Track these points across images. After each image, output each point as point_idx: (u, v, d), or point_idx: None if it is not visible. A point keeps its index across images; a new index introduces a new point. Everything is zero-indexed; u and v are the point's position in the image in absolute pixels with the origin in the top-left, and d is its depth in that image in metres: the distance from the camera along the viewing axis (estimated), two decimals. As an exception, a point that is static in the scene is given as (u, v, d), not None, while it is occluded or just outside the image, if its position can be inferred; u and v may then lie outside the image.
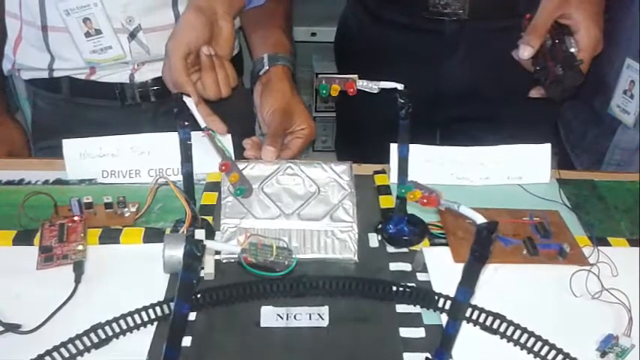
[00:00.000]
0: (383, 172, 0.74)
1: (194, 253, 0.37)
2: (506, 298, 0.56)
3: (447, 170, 0.74)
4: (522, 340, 0.52)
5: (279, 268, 0.41)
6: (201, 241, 0.38)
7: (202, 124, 0.54)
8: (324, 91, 0.58)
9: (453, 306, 0.43)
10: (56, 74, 0.79)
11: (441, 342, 0.44)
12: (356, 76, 0.58)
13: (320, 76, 0.59)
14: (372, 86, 0.57)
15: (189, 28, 0.66)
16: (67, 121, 0.81)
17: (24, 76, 0.81)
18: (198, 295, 0.55)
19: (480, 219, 0.39)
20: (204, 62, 0.67)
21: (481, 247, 0.39)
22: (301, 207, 0.62)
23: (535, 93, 0.75)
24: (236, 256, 0.58)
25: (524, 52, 0.70)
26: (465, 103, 0.88)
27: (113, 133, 0.71)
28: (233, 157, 0.59)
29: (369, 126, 0.94)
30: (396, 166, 0.72)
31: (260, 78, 0.73)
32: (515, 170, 0.74)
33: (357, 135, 1.00)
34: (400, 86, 0.57)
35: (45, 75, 0.79)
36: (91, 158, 0.71)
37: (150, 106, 0.82)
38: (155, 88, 0.81)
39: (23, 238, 0.61)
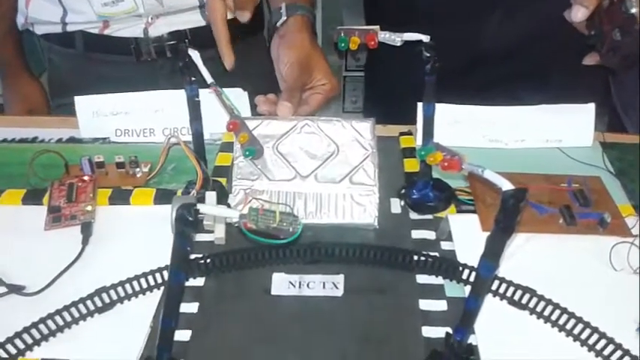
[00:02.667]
0: (409, 133, 0.69)
1: (186, 218, 0.34)
2: (538, 270, 0.52)
3: (479, 132, 0.68)
4: (554, 317, 0.47)
5: (283, 235, 0.38)
6: (194, 204, 0.35)
7: (209, 80, 0.50)
8: (343, 44, 0.54)
9: (475, 280, 0.39)
10: (69, 28, 0.76)
11: (461, 318, 0.40)
12: (377, 27, 0.53)
13: (339, 28, 0.54)
14: (395, 38, 0.52)
15: None
16: (82, 78, 0.78)
17: (38, 30, 0.79)
18: (207, 260, 0.53)
19: (507, 185, 0.34)
20: None
21: (507, 217, 0.35)
22: (318, 168, 0.58)
23: (590, 60, 0.68)
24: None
25: (578, 14, 0.62)
26: (508, 61, 0.81)
27: (129, 90, 0.69)
28: (243, 115, 0.55)
29: (400, 87, 0.89)
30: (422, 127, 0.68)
31: (278, 30, 0.68)
32: (555, 132, 0.68)
33: (387, 96, 0.94)
34: (425, 38, 0.51)
35: (58, 29, 0.77)
36: (104, 116, 0.68)
37: (166, 62, 0.79)
38: (171, 42, 0.77)
39: (32, 197, 0.60)
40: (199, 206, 0.35)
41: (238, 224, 0.37)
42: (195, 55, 0.50)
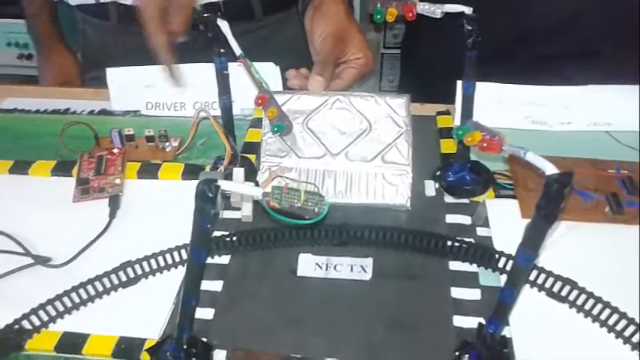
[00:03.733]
0: (447, 112, 0.66)
1: (206, 194, 0.33)
2: (580, 261, 0.49)
3: (522, 112, 0.65)
4: (595, 312, 0.44)
5: (308, 215, 0.36)
6: (215, 180, 0.33)
7: (237, 52, 0.48)
8: (379, 16, 0.51)
9: (512, 270, 0.36)
10: (103, -1, 0.75)
11: (495, 309, 0.38)
12: (417, -2, 0.50)
13: (374, -2, 0.51)
14: (435, 10, 0.49)
15: None
16: (116, 50, 0.77)
17: (72, 1, 0.78)
18: (233, 238, 0.51)
19: (551, 169, 0.32)
20: None
21: (549, 203, 0.32)
22: (349, 145, 0.56)
23: None
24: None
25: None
26: (555, 37, 0.77)
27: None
28: (273, 90, 0.53)
29: (437, 64, 0.85)
30: (454, 106, 0.65)
31: (312, 1, 0.65)
32: (604, 115, 0.64)
33: (424, 74, 0.91)
34: (468, 10, 0.48)
35: (92, 0, 0.76)
36: (136, 89, 0.67)
37: (200, 35, 0.77)
38: (205, 15, 0.75)
39: (62, 169, 0.59)
40: (220, 182, 0.33)
41: (261, 202, 0.35)
42: (224, 25, 0.48)
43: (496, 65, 0.77)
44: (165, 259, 0.50)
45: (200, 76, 0.67)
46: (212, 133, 0.63)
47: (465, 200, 0.55)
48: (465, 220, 0.53)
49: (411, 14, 0.50)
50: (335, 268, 0.49)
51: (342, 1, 0.63)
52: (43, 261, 0.50)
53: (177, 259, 0.50)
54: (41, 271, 0.49)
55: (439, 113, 0.66)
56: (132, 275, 0.48)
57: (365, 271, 0.49)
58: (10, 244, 0.51)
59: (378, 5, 0.51)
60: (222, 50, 0.50)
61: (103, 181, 0.57)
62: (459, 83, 0.64)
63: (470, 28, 0.48)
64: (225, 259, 0.51)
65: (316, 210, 0.36)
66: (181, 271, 0.50)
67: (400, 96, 0.57)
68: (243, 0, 0.75)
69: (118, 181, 0.57)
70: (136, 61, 0.68)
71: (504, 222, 0.53)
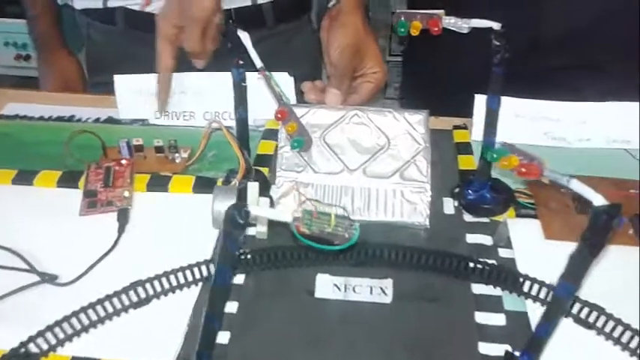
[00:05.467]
0: (464, 127, 0.65)
1: (236, 220, 0.31)
2: (606, 286, 0.47)
3: (541, 128, 0.63)
4: (624, 340, 0.43)
5: (337, 240, 0.34)
6: (245, 206, 0.31)
7: (258, 64, 0.47)
8: (403, 29, 0.49)
9: (552, 302, 0.35)
10: (110, 4, 0.73)
11: (530, 342, 0.36)
12: (442, 11, 0.48)
13: (398, 11, 0.50)
14: (462, 25, 0.47)
15: None
16: (122, 56, 0.75)
17: (77, 5, 0.76)
18: (248, 256, 0.50)
19: (599, 200, 0.30)
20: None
21: (596, 234, 0.30)
22: (367, 162, 0.54)
23: None
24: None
25: None
26: (567, 49, 0.76)
27: (171, 71, 0.65)
28: (291, 103, 0.52)
29: (442, 75, 0.84)
30: (480, 121, 0.63)
31: (329, 11, 0.64)
32: (623, 132, 0.63)
33: (427, 85, 0.89)
34: (497, 25, 0.47)
35: (99, 5, 0.74)
36: (144, 97, 0.65)
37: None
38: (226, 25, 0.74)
39: (68, 179, 0.57)
40: (250, 208, 0.31)
41: (290, 226, 0.33)
42: (244, 36, 0.46)
43: (508, 76, 0.76)
44: (177, 278, 0.48)
45: (210, 85, 0.65)
46: (223, 144, 0.62)
47: (485, 219, 0.54)
48: (486, 240, 0.52)
49: (436, 29, 0.48)
50: (354, 289, 0.48)
51: (359, 11, 0.61)
52: (50, 279, 0.47)
53: (189, 277, 0.48)
54: (48, 289, 0.47)
55: (455, 127, 0.65)
56: (143, 295, 0.46)
57: (385, 294, 0.47)
58: (14, 260, 0.49)
59: (402, 18, 0.49)
60: (241, 62, 0.48)
61: (111, 194, 0.55)
62: (479, 98, 0.63)
63: (498, 43, 0.47)
64: (239, 279, 0.49)
65: (346, 235, 0.35)
66: (195, 290, 0.48)
67: (419, 112, 0.56)
68: (254, 8, 0.73)
69: (126, 193, 0.55)
70: (143, 67, 0.66)
71: (527, 243, 0.51)
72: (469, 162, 0.59)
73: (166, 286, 0.47)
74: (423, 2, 0.85)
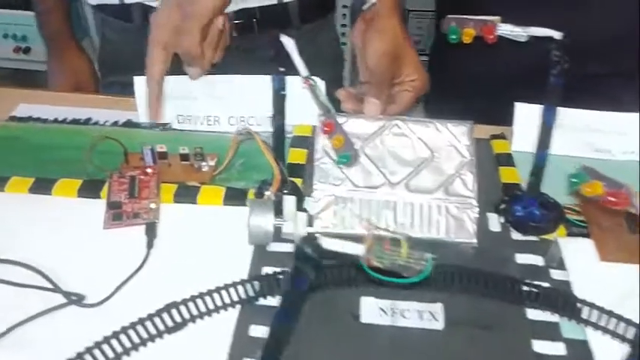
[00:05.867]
0: (502, 136, 0.62)
1: (308, 255, 0.28)
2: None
3: (583, 139, 0.61)
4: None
5: (408, 273, 0.31)
6: (315, 238, 0.28)
7: (304, 73, 0.43)
8: (454, 36, 0.46)
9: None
10: (127, 0, 0.69)
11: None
12: (498, 18, 0.45)
13: (449, 16, 0.47)
14: (520, 33, 0.45)
15: None
16: (139, 55, 0.71)
17: (92, 0, 0.72)
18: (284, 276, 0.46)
19: None
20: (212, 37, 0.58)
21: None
22: (410, 175, 0.51)
23: None
24: (329, 229, 0.49)
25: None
26: (603, 56, 0.73)
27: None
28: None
29: (471, 79, 0.81)
30: (522, 131, 0.60)
31: (363, 14, 0.60)
32: (667, 144, 0.60)
33: (452, 89, 0.86)
34: (558, 35, 0.44)
35: (115, 0, 0.70)
36: (166, 100, 0.62)
37: (231, 42, 0.72)
38: (238, 21, 0.70)
39: (89, 189, 0.54)
40: (322, 241, 0.28)
41: (359, 261, 0.30)
42: (289, 43, 0.43)
43: (539, 83, 0.73)
44: (213, 300, 0.45)
45: (235, 88, 0.62)
46: (251, 151, 0.58)
47: (534, 238, 0.51)
48: (537, 260, 0.49)
49: (491, 36, 0.45)
50: (403, 314, 0.45)
51: (397, 14, 0.58)
52: (76, 300, 0.44)
53: (227, 299, 0.45)
54: (74, 310, 0.44)
55: (493, 137, 0.62)
56: (178, 319, 0.43)
57: (436, 319, 0.45)
58: (36, 278, 0.46)
59: (453, 24, 0.46)
60: (282, 69, 0.45)
61: (137, 206, 0.52)
62: (519, 106, 0.61)
63: (558, 54, 0.44)
64: (275, 300, 0.46)
65: (418, 268, 0.32)
66: (234, 313, 0.45)
67: (463, 122, 0.53)
68: (280, 7, 0.70)
69: (153, 205, 0.52)
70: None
71: (581, 264, 0.49)
72: (512, 175, 0.57)
73: (203, 308, 0.44)
74: (450, 2, 0.82)
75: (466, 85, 0.83)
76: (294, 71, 0.45)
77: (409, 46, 0.58)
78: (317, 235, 0.28)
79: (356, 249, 0.30)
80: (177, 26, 0.57)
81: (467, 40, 0.46)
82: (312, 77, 0.46)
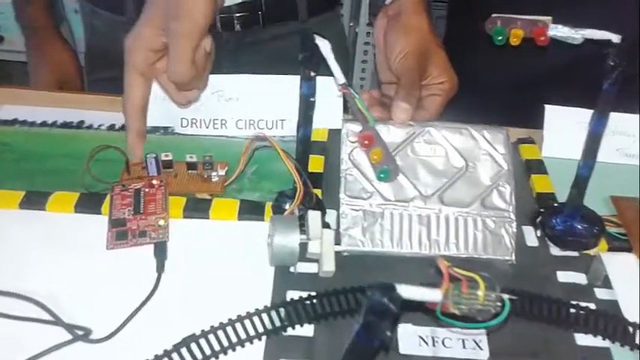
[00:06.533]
0: (531, 141, 0.58)
1: (386, 307, 0.24)
2: None
3: (612, 144, 0.58)
4: None
5: (482, 316, 0.27)
6: (394, 288, 0.24)
7: (340, 80, 0.39)
8: (500, 38, 0.42)
9: None
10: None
11: None
12: (549, 18, 0.41)
13: (494, 15, 0.43)
14: (574, 35, 0.41)
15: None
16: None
17: (80, -11, 0.66)
18: (314, 301, 0.42)
19: None
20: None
21: None
22: (444, 187, 0.48)
23: None
24: (359, 248, 0.45)
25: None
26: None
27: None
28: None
29: (482, 78, 0.77)
30: (553, 136, 0.57)
31: (385, 8, 0.56)
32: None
33: (472, 89, 0.81)
34: (616, 38, 0.40)
35: (106, -9, 0.64)
36: (167, 101, 0.56)
37: (232, 36, 0.67)
38: (240, 14, 0.65)
39: (88, 204, 0.48)
40: (401, 289, 0.24)
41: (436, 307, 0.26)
42: (324, 45, 0.39)
43: (558, 85, 0.69)
44: (236, 331, 0.40)
45: (243, 89, 0.57)
46: (264, 159, 0.54)
47: (574, 253, 0.48)
48: (580, 278, 0.46)
49: (542, 38, 0.41)
50: (444, 343, 0.41)
51: (424, 10, 0.53)
52: (82, 335, 0.39)
53: (251, 331, 0.40)
54: (81, 347, 0.39)
55: (521, 141, 0.58)
56: (199, 356, 0.38)
57: (480, 348, 0.41)
58: (32, 309, 0.41)
59: (499, 24, 0.42)
60: (313, 73, 0.40)
61: (143, 222, 0.47)
62: (549, 108, 0.57)
63: (615, 61, 0.40)
64: (308, 330, 0.41)
65: (493, 311, 0.28)
66: (259, 345, 0.40)
67: (498, 129, 0.49)
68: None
69: (162, 222, 0.47)
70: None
71: (627, 282, 0.45)
72: (546, 183, 0.53)
73: (225, 342, 0.39)
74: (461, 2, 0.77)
75: (477, 84, 0.79)
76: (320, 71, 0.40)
77: (437, 45, 0.54)
78: (394, 284, 0.24)
79: (435, 296, 0.26)
80: (159, 49, 0.49)
81: (515, 42, 0.42)
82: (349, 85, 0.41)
